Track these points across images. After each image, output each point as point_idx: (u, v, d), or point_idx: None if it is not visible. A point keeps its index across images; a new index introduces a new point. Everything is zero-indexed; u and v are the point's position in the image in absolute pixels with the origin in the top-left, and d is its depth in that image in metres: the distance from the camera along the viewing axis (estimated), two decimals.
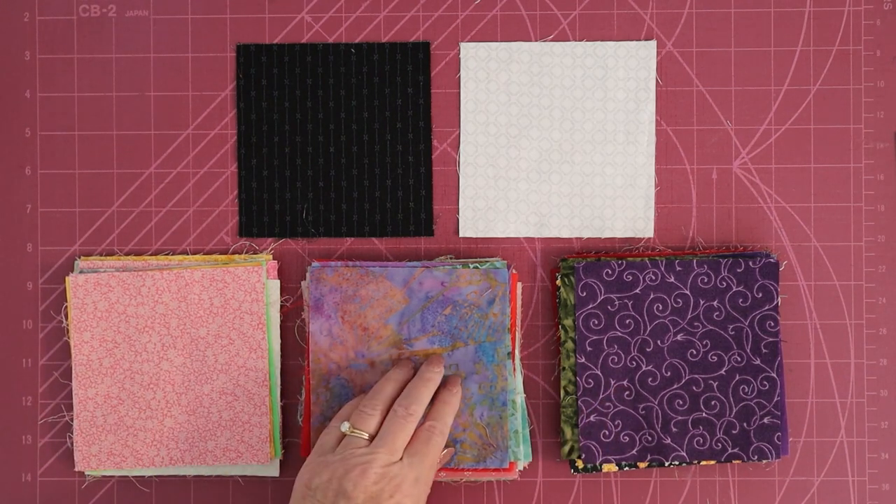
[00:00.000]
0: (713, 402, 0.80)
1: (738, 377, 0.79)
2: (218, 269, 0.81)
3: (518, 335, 0.81)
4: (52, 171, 0.83)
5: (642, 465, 0.80)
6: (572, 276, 0.80)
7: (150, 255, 0.82)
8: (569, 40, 0.82)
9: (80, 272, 0.81)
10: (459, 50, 0.82)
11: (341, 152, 0.82)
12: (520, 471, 0.81)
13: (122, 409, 0.80)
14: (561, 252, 0.82)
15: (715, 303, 0.80)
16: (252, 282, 0.80)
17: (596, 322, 0.80)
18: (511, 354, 0.79)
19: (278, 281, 0.81)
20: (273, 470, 0.81)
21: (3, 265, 0.83)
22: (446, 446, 0.78)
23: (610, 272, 0.80)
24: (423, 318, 0.80)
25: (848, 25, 0.82)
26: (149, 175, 0.83)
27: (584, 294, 0.80)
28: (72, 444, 0.82)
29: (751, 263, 0.80)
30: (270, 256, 0.82)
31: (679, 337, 0.80)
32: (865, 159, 0.82)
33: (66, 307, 0.82)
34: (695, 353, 0.80)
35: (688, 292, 0.80)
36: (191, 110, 0.83)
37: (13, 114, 0.83)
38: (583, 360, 0.80)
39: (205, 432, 0.80)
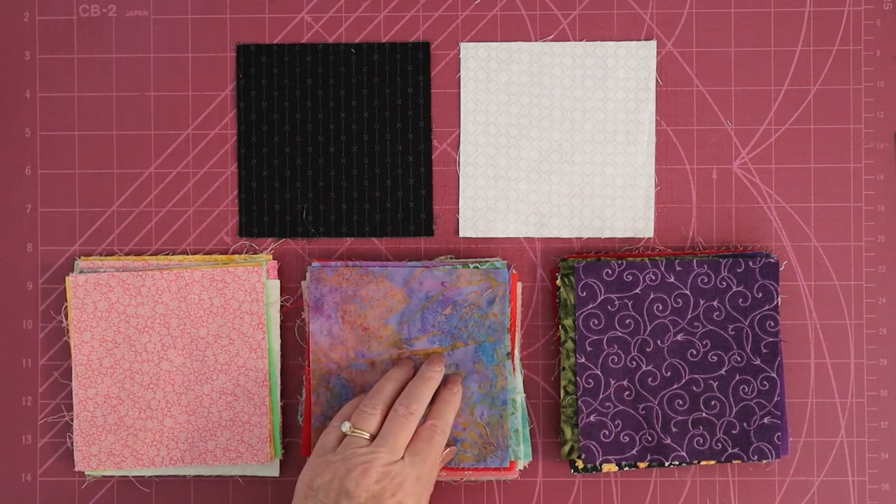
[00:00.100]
0: (713, 402, 0.80)
1: (738, 377, 0.79)
2: (218, 269, 0.81)
3: (518, 335, 0.81)
4: (52, 171, 0.83)
5: (642, 465, 0.80)
6: (572, 276, 0.80)
7: (150, 255, 0.82)
8: (569, 40, 0.82)
9: (80, 272, 0.81)
10: (459, 50, 0.82)
11: (341, 152, 0.82)
12: (520, 470, 0.81)
13: (122, 409, 0.80)
14: (561, 252, 0.82)
15: (715, 303, 0.80)
16: (252, 282, 0.80)
17: (596, 322, 0.80)
18: (510, 354, 0.79)
19: (278, 281, 0.82)
20: (273, 470, 0.81)
21: (3, 265, 0.83)
22: (448, 445, 0.78)
23: (610, 272, 0.80)
24: (423, 317, 0.80)
25: (848, 25, 0.82)
26: (149, 175, 0.83)
27: (584, 294, 0.80)
28: (72, 444, 0.82)
29: (751, 263, 0.80)
30: (270, 256, 0.82)
31: (679, 337, 0.80)
32: (865, 159, 0.82)
33: (66, 307, 0.82)
34: (695, 353, 0.80)
35: (688, 292, 0.80)
36: (191, 110, 0.83)
37: (13, 114, 0.83)
38: (583, 360, 0.80)
39: (205, 432, 0.80)
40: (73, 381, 0.80)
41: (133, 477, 0.82)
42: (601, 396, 0.80)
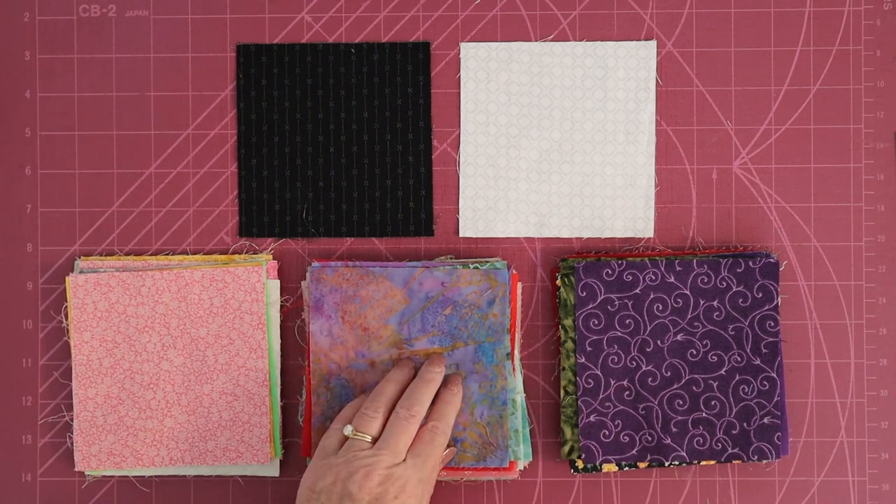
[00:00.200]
0: (713, 402, 0.80)
1: (738, 377, 0.79)
2: (218, 269, 0.81)
3: (518, 335, 0.81)
4: (52, 171, 0.83)
5: (642, 465, 0.80)
6: (572, 276, 0.80)
7: (150, 255, 0.82)
8: (569, 40, 0.82)
9: (80, 272, 0.81)
10: (459, 50, 0.82)
11: (341, 152, 0.82)
12: (520, 470, 0.81)
13: (122, 409, 0.80)
14: (561, 252, 0.82)
15: (715, 303, 0.80)
16: (252, 282, 0.80)
17: (596, 322, 0.80)
18: (510, 355, 0.79)
19: (278, 281, 0.82)
20: (273, 470, 0.81)
21: (3, 265, 0.83)
22: (448, 445, 0.78)
23: (610, 272, 0.80)
24: (423, 318, 0.80)
25: (848, 25, 0.82)
26: (149, 175, 0.83)
27: (584, 294, 0.80)
28: (72, 444, 0.82)
29: (751, 263, 0.80)
30: (270, 256, 0.82)
31: (679, 337, 0.80)
32: (865, 159, 0.82)
33: (66, 307, 0.82)
34: (695, 353, 0.80)
35: (688, 292, 0.80)
36: (191, 110, 0.83)
37: (13, 114, 0.83)
38: (583, 360, 0.80)
39: (205, 432, 0.80)
40: (73, 381, 0.80)
41: (133, 477, 0.82)
42: (601, 396, 0.80)
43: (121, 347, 0.80)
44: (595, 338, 0.80)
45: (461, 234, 0.82)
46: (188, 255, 0.82)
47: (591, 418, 0.80)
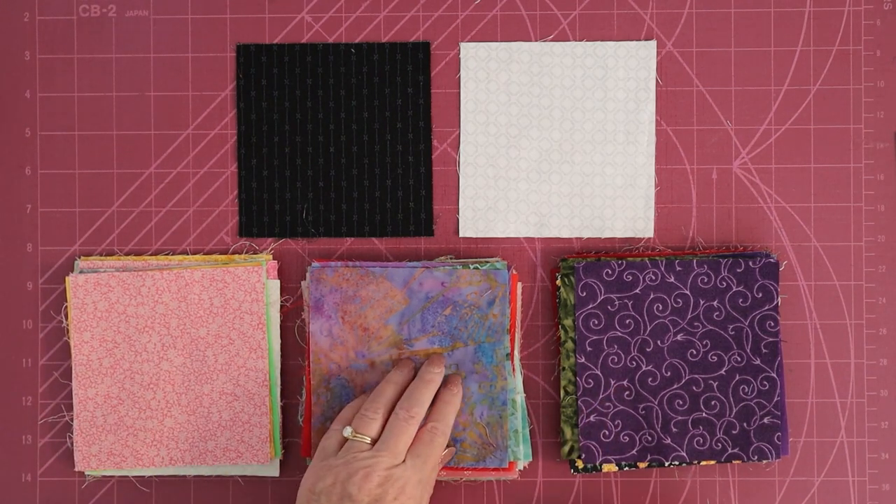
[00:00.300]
0: (713, 402, 0.80)
1: (738, 377, 0.79)
2: (218, 269, 0.81)
3: (518, 335, 0.81)
4: (52, 171, 0.83)
5: (642, 465, 0.80)
6: (572, 276, 0.80)
7: (150, 255, 0.82)
8: (569, 40, 0.82)
9: (80, 272, 0.81)
10: (459, 50, 0.82)
11: (341, 152, 0.82)
12: (520, 470, 0.81)
13: (122, 409, 0.80)
14: (561, 252, 0.82)
15: (715, 303, 0.80)
16: (252, 282, 0.80)
17: (596, 322, 0.80)
18: (510, 355, 0.79)
19: (278, 281, 0.82)
20: (273, 470, 0.81)
21: (3, 265, 0.83)
22: (448, 445, 0.78)
23: (610, 272, 0.80)
24: (423, 318, 0.80)
25: (848, 25, 0.82)
26: (149, 175, 0.83)
27: (584, 294, 0.80)
28: (72, 444, 0.82)
29: (751, 263, 0.80)
30: (270, 256, 0.82)
31: (679, 337, 0.80)
32: (865, 159, 0.82)
33: (66, 307, 0.82)
34: (695, 353, 0.80)
35: (688, 292, 0.80)
36: (191, 110, 0.83)
37: (13, 114, 0.83)
38: (583, 360, 0.80)
39: (205, 432, 0.80)
40: (73, 381, 0.80)
41: (133, 477, 0.82)
42: (601, 396, 0.80)
43: (121, 347, 0.80)
44: (595, 338, 0.80)
45: (461, 234, 0.82)
46: (188, 255, 0.82)
47: (591, 418, 0.80)
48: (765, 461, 0.80)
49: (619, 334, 0.80)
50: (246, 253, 0.82)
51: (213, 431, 0.80)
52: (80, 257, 0.82)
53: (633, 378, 0.80)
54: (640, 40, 0.82)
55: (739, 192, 0.82)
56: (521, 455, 0.80)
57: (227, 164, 0.83)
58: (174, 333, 0.80)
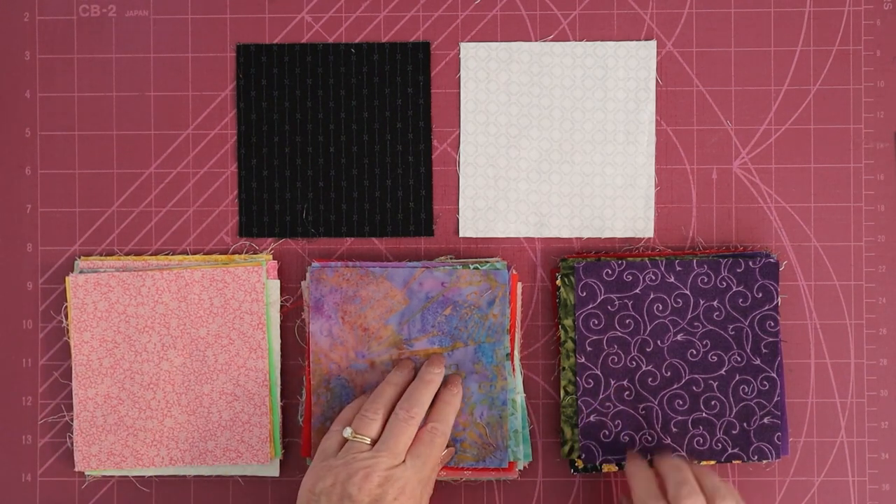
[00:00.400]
0: (713, 402, 0.80)
1: (738, 377, 0.80)
2: (218, 269, 0.81)
3: (518, 335, 0.81)
4: (52, 171, 0.83)
5: None
6: (572, 276, 0.80)
7: (150, 255, 0.82)
8: (569, 40, 0.82)
9: (80, 272, 0.81)
10: (459, 50, 0.82)
11: (341, 152, 0.82)
12: (519, 470, 0.81)
13: (122, 409, 0.80)
14: (561, 252, 0.82)
15: (715, 303, 0.80)
16: (252, 282, 0.80)
17: (596, 322, 0.80)
18: (510, 355, 0.79)
19: (278, 281, 0.82)
20: (273, 470, 0.81)
21: (3, 265, 0.83)
22: (448, 446, 0.78)
23: (610, 272, 0.80)
24: (423, 318, 0.80)
25: (848, 25, 0.82)
26: (149, 175, 0.83)
27: (584, 294, 0.80)
28: (72, 444, 0.82)
29: (751, 263, 0.80)
30: (270, 256, 0.82)
31: (679, 337, 0.80)
32: (865, 159, 0.82)
33: (66, 307, 0.82)
34: (695, 353, 0.80)
35: (688, 292, 0.80)
36: (191, 110, 0.83)
37: (13, 114, 0.83)
38: (583, 360, 0.80)
39: (205, 432, 0.80)
40: (73, 381, 0.80)
41: (133, 477, 0.82)
42: (601, 396, 0.80)
43: (121, 347, 0.80)
44: (595, 338, 0.80)
45: (461, 234, 0.82)
46: (188, 255, 0.82)
47: (591, 418, 0.80)
48: (765, 461, 0.80)
49: (619, 334, 0.80)
50: (246, 253, 0.82)
51: (213, 431, 0.80)
52: (80, 257, 0.82)
53: (633, 378, 0.80)
54: (640, 40, 0.82)
55: (739, 192, 0.82)
56: (521, 455, 0.80)
57: (227, 164, 0.83)
58: (174, 333, 0.80)
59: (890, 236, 0.82)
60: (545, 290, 0.82)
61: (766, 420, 0.79)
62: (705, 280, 0.80)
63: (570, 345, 0.80)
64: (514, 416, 0.79)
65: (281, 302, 0.82)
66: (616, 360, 0.80)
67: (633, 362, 0.80)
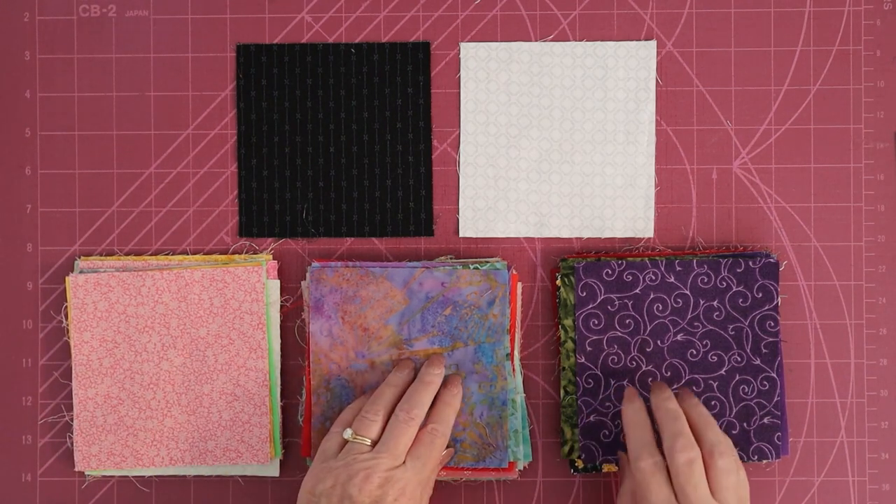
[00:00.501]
0: (713, 402, 0.80)
1: (738, 377, 0.80)
2: (218, 269, 0.81)
3: (518, 335, 0.81)
4: (52, 171, 0.83)
5: None
6: (572, 276, 0.80)
7: (150, 255, 0.82)
8: (569, 40, 0.82)
9: (80, 272, 0.81)
10: (459, 50, 0.82)
11: (341, 152, 0.82)
12: (519, 470, 0.81)
13: (122, 409, 0.80)
14: (561, 252, 0.82)
15: (715, 303, 0.80)
16: (252, 282, 0.80)
17: (596, 322, 0.80)
18: (510, 355, 0.79)
19: (278, 281, 0.82)
20: (273, 470, 0.81)
21: (3, 265, 0.83)
22: (448, 446, 0.78)
23: (610, 272, 0.80)
24: (423, 318, 0.80)
25: (848, 25, 0.82)
26: (149, 175, 0.83)
27: (584, 294, 0.80)
28: (72, 444, 0.82)
29: (751, 263, 0.80)
30: (270, 256, 0.82)
31: (679, 337, 0.80)
32: (865, 159, 0.82)
33: (66, 307, 0.82)
34: (695, 353, 0.80)
35: (688, 292, 0.80)
36: (191, 110, 0.83)
37: (13, 114, 0.83)
38: (583, 360, 0.80)
39: (205, 432, 0.80)
40: (73, 381, 0.80)
41: (133, 477, 0.82)
42: (601, 396, 0.80)
43: (121, 347, 0.80)
44: (595, 338, 0.80)
45: (461, 234, 0.82)
46: (188, 255, 0.82)
47: (591, 418, 0.80)
48: (765, 461, 0.80)
49: (619, 334, 0.80)
50: (246, 253, 0.82)
51: (213, 431, 0.80)
52: (80, 257, 0.82)
53: (633, 378, 0.80)
54: (640, 40, 0.82)
55: (739, 192, 0.82)
56: (521, 455, 0.80)
57: (227, 164, 0.83)
58: (174, 333, 0.80)
59: (890, 236, 0.82)
60: (545, 290, 0.82)
61: (766, 420, 0.79)
62: (705, 280, 0.80)
63: (570, 345, 0.80)
64: (514, 416, 0.79)
65: (281, 302, 0.82)
66: (616, 360, 0.80)
67: (633, 362, 0.80)
